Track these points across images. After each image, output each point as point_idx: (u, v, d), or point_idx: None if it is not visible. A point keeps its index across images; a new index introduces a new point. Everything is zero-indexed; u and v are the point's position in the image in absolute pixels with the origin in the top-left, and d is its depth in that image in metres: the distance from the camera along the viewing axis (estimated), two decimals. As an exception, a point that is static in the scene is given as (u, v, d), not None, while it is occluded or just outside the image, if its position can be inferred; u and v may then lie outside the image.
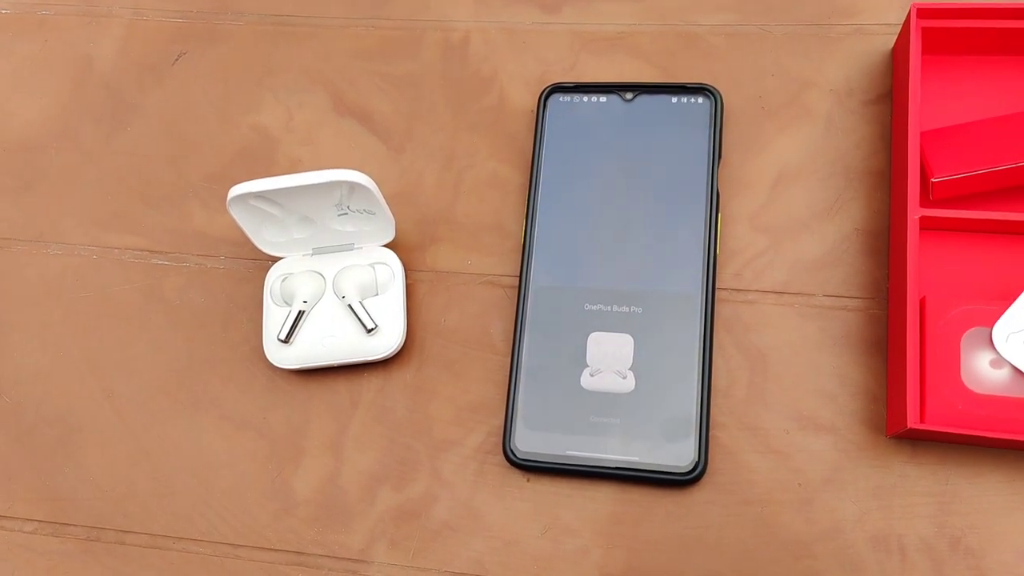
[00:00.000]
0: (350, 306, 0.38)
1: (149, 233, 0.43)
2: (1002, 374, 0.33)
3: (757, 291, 0.37)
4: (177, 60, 0.46)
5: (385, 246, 0.40)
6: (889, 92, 0.39)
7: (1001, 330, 0.33)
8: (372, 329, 0.38)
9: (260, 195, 0.36)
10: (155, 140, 0.44)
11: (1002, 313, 0.33)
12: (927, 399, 0.33)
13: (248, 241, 0.41)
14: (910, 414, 0.32)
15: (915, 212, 0.34)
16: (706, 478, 0.35)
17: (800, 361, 0.36)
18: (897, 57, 0.38)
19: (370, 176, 0.41)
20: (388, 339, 0.38)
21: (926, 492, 0.34)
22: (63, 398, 0.40)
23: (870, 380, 0.36)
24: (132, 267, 0.42)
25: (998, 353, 0.33)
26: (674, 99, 0.39)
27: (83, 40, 0.47)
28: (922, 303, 0.34)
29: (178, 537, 0.38)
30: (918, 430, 0.32)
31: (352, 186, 0.36)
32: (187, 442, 0.39)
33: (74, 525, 0.38)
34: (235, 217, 0.37)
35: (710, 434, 0.36)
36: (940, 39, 0.37)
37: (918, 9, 0.36)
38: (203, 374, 0.40)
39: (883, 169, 0.38)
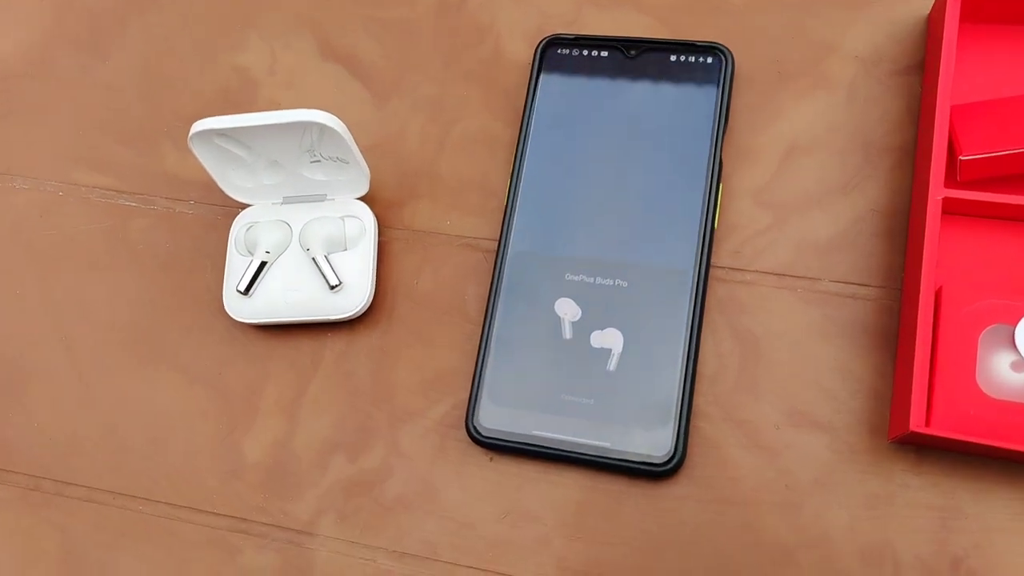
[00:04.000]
0: (314, 260, 0.36)
1: (118, 172, 0.40)
2: (1023, 379, 0.29)
3: (756, 271, 0.34)
4: (163, -7, 0.43)
5: (360, 199, 0.37)
6: (921, 63, 0.35)
7: (1025, 329, 0.29)
8: (336, 286, 0.35)
9: (224, 133, 0.34)
10: (133, 74, 0.42)
11: (1027, 310, 0.29)
12: (935, 401, 0.29)
13: (214, 184, 0.39)
14: (914, 416, 0.28)
15: (938, 192, 0.30)
16: (683, 471, 0.32)
17: (798, 351, 0.33)
18: (933, 24, 0.35)
19: (350, 124, 0.38)
20: (354, 298, 0.35)
21: (927, 505, 0.30)
22: (15, 340, 0.38)
23: (875, 377, 0.32)
24: (98, 206, 0.40)
25: (1021, 355, 0.29)
26: (680, 58, 0.36)
27: (70, -32, 0.45)
28: (938, 294, 0.30)
29: (119, 493, 0.35)
30: (922, 435, 0.28)
31: (322, 129, 0.33)
32: (139, 394, 0.37)
33: (14, 472, 0.36)
34: (198, 156, 0.35)
35: (691, 423, 0.32)
36: (980, 5, 0.33)
37: (959, -31, 0.32)
38: (162, 323, 0.38)
39: (907, 146, 0.34)
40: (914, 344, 0.29)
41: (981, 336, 0.29)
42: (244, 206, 0.38)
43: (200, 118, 0.40)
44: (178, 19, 0.42)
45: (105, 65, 0.42)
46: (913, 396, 0.28)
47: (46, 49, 0.43)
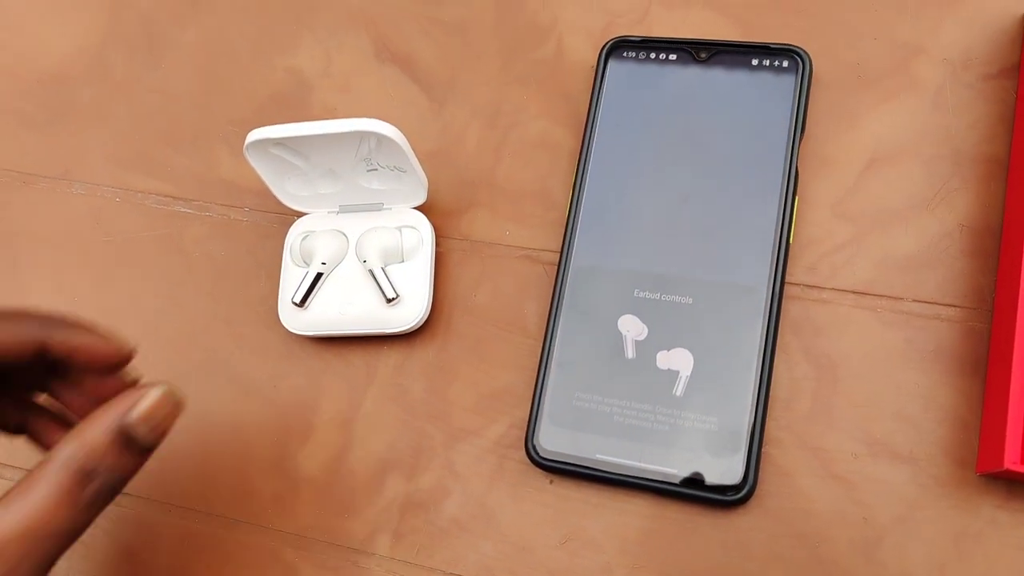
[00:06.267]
0: (371, 272, 0.35)
1: (174, 178, 0.40)
2: None
3: (834, 289, 0.32)
4: (218, -6, 0.42)
5: (416, 208, 0.36)
6: (1016, 66, 0.33)
7: None
8: (393, 299, 0.34)
9: (280, 142, 0.33)
10: (187, 79, 0.41)
11: None
12: (1030, 436, 0.27)
13: (268, 192, 0.38)
14: (1008, 452, 0.26)
15: (1037, 210, 0.28)
16: (754, 501, 0.31)
17: (878, 376, 0.31)
18: (1030, 23, 0.32)
19: (407, 130, 0.37)
20: (410, 311, 0.34)
21: (1020, 545, 0.28)
22: (73, 346, 0.38)
23: (962, 405, 0.30)
24: (154, 213, 0.40)
25: None
26: (755, 61, 0.34)
27: (126, -31, 0.44)
28: (1035, 320, 0.28)
29: (175, 505, 0.35)
30: (1017, 472, 0.26)
31: (379, 138, 0.32)
32: (193, 404, 0.36)
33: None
34: (254, 165, 0.34)
35: (763, 451, 0.31)
36: (1087, 3, 0.31)
37: (1064, -36, 0.30)
38: (216, 333, 0.37)
39: (1001, 156, 0.32)
40: (1009, 371, 0.27)
41: (1084, 368, 0.27)
42: (300, 214, 0.37)
43: (254, 123, 0.40)
44: (231, 21, 0.42)
45: (160, 70, 0.42)
46: (1008, 429, 0.27)
47: (102, 54, 0.43)
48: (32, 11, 0.44)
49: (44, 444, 0.30)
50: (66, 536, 0.24)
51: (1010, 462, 0.26)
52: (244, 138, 0.39)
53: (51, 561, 0.24)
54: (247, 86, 0.40)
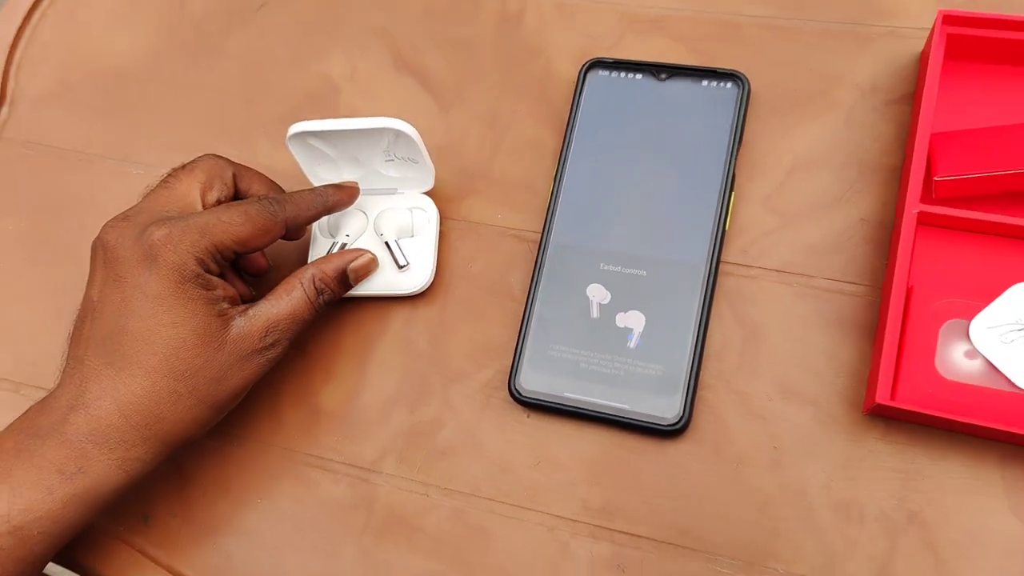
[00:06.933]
0: (387, 244, 0.42)
1: (220, 162, 0.47)
2: (974, 364, 0.35)
3: (760, 268, 0.40)
4: (260, 8, 0.50)
5: (425, 193, 0.43)
6: (911, 94, 0.41)
7: (979, 324, 0.35)
8: (404, 266, 0.42)
9: (316, 134, 0.41)
10: (232, 80, 0.49)
11: (982, 308, 0.35)
12: (900, 380, 0.35)
13: (303, 177, 0.46)
14: (880, 391, 0.34)
15: (914, 207, 0.36)
16: (689, 432, 0.38)
17: (792, 336, 0.39)
18: (923, 60, 0.40)
19: (418, 129, 0.45)
20: (418, 277, 0.42)
21: (892, 468, 0.36)
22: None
23: (856, 361, 0.38)
24: (202, 191, 0.47)
25: (973, 345, 0.35)
26: (704, 82, 0.42)
27: (180, -17, 0.52)
28: (909, 291, 0.36)
29: (217, 431, 0.42)
30: (888, 407, 0.34)
31: (398, 134, 0.40)
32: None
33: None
34: (293, 153, 0.41)
35: (697, 393, 0.38)
36: (965, 46, 0.39)
37: (944, 16, 0.38)
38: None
39: (896, 166, 0.40)
40: (884, 334, 0.35)
41: (942, 328, 0.35)
42: (326, 195, 0.45)
43: (289, 119, 0.47)
44: (272, 33, 0.49)
45: (209, 72, 0.49)
46: (881, 375, 0.34)
47: (160, 56, 0.50)
48: (100, 17, 0.51)
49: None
50: (306, 323, 0.38)
51: (880, 398, 0.34)
52: (281, 131, 0.47)
53: (297, 335, 0.38)
54: (284, 88, 0.48)
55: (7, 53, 0.51)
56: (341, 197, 0.41)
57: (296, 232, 0.41)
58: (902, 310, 0.35)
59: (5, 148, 0.50)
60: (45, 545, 0.33)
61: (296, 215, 0.38)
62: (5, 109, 0.50)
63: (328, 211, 0.40)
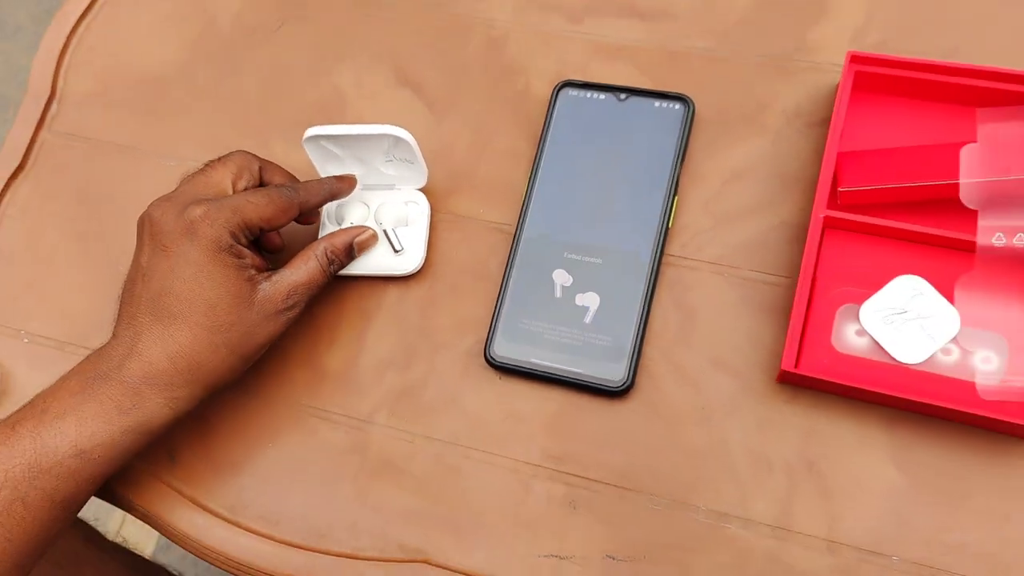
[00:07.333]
0: (385, 231, 0.50)
1: (241, 158, 0.55)
2: (863, 341, 0.42)
3: (697, 260, 0.48)
4: (280, 27, 0.58)
5: (419, 190, 0.51)
6: (828, 118, 0.49)
7: (868, 308, 0.43)
8: (399, 251, 0.49)
9: (328, 137, 0.48)
10: (255, 87, 0.56)
11: (871, 295, 0.43)
12: (803, 352, 0.43)
13: (315, 173, 0.53)
14: (785, 360, 0.42)
15: (821, 212, 0.44)
16: (633, 394, 0.46)
17: (722, 318, 0.47)
18: (837, 91, 0.48)
19: (413, 134, 0.52)
20: (410, 260, 0.49)
21: (795, 426, 0.44)
22: (162, 274, 0.53)
23: (776, 341, 0.46)
24: (225, 183, 0.54)
25: (862, 325, 0.42)
26: (656, 103, 0.50)
27: (209, 3, 0.60)
28: (814, 281, 0.44)
29: (232, 388, 0.50)
30: (792, 374, 0.42)
31: (397, 139, 0.47)
32: (250, 319, 0.51)
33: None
34: (308, 152, 0.49)
35: (640, 362, 0.46)
36: (870, 81, 0.47)
37: (852, 56, 0.46)
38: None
39: (813, 178, 0.48)
40: (792, 313, 0.43)
41: (838, 311, 0.43)
42: (334, 189, 0.52)
43: (304, 123, 0.54)
44: (290, 49, 0.57)
45: (233, 80, 0.57)
46: (787, 347, 0.42)
47: (191, 65, 0.58)
48: (140, 30, 0.59)
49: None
50: (320, 288, 0.46)
51: (786, 366, 0.42)
52: (296, 133, 0.54)
53: (312, 298, 0.46)
54: (299, 97, 0.56)
55: (58, 55, 0.58)
56: (343, 186, 0.49)
57: (309, 216, 0.48)
58: (807, 296, 0.43)
59: (54, 139, 0.57)
60: (103, 466, 0.40)
61: (308, 199, 0.46)
62: (55, 105, 0.58)
63: (332, 197, 0.48)
